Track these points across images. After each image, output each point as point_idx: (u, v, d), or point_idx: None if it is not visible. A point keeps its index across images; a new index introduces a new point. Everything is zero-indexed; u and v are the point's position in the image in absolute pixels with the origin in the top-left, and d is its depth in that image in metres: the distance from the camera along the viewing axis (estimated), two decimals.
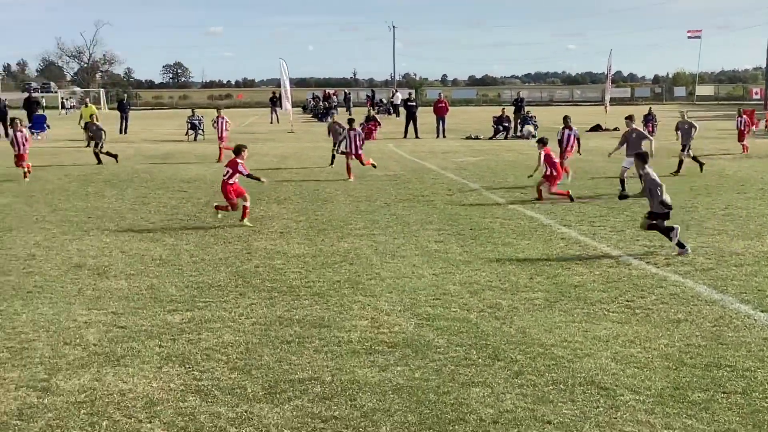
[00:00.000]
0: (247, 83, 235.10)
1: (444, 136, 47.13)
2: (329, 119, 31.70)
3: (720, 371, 8.87)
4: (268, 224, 18.16)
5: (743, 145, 36.28)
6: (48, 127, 47.85)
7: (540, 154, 21.82)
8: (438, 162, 32.57)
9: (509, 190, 23.85)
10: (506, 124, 47.13)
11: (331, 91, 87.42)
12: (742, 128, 36.89)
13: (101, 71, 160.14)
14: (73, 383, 8.62)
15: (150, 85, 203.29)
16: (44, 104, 78.04)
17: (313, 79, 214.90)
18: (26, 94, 71.01)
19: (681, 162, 27.83)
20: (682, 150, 27.96)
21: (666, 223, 15.08)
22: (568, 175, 24.63)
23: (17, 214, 19.76)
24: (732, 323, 10.62)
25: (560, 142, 25.51)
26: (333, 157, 30.66)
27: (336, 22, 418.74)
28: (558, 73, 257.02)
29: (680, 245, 14.82)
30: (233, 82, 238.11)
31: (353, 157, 26.27)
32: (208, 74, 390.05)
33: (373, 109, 57.49)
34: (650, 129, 47.41)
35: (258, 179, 19.03)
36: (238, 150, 18.76)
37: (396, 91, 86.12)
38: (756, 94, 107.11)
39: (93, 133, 33.61)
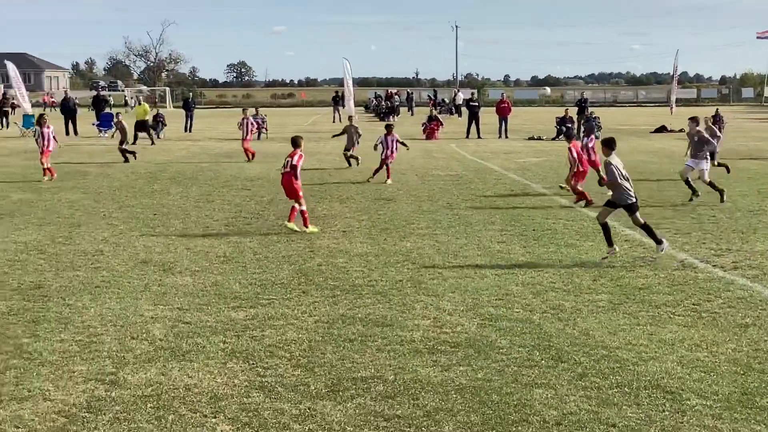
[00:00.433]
0: (309, 82, 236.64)
1: (506, 137, 46.93)
2: (348, 122, 31.49)
3: None
4: (330, 223, 18.24)
5: None
6: (114, 125, 48.48)
7: (569, 149, 21.99)
8: (500, 162, 32.45)
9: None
10: (569, 125, 46.76)
11: (393, 90, 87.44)
12: None
13: (167, 70, 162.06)
14: (139, 377, 8.75)
15: (214, 83, 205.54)
16: (112, 102, 79.17)
17: (375, 78, 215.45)
18: (94, 93, 72.20)
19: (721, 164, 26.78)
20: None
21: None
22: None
23: (85, 211, 20.10)
24: None
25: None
26: (348, 159, 30.66)
27: (398, 22, 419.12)
28: (622, 74, 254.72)
29: (658, 242, 14.55)
30: (296, 81, 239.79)
31: (391, 160, 26.14)
32: (271, 73, 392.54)
33: (435, 109, 57.41)
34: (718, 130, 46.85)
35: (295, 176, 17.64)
36: (298, 142, 17.87)
37: (458, 91, 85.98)
38: None
39: (120, 130, 33.73)
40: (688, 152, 22.84)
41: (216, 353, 9.53)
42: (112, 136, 33.41)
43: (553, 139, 45.27)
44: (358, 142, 30.83)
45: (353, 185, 24.92)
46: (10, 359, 9.31)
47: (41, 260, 14.49)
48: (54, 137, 27.39)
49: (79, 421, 7.64)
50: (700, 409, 7.87)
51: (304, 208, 17.31)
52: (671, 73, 56.55)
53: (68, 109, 50.18)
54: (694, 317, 10.94)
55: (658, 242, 14.47)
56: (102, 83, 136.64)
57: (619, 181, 14.32)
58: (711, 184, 21.19)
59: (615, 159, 14.48)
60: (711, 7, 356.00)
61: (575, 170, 21.76)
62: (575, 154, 21.77)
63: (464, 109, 60.88)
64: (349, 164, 30.36)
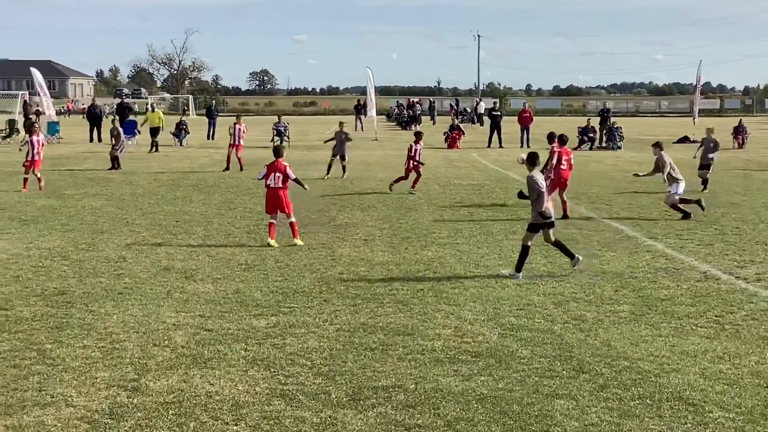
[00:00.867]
0: (331, 91, 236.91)
1: (528, 146, 46.80)
2: (338, 128, 30.59)
3: None
4: (352, 231, 18.26)
5: None
6: (138, 132, 48.82)
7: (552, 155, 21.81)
8: (522, 172, 32.30)
9: (594, 201, 23.63)
10: (591, 135, 46.67)
11: (415, 99, 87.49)
12: None
13: (190, 78, 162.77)
14: (161, 384, 8.79)
15: (237, 91, 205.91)
16: (136, 110, 79.54)
17: (397, 87, 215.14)
18: (118, 100, 72.59)
19: (706, 181, 26.27)
20: (705, 168, 26.39)
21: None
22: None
23: (109, 217, 20.22)
24: None
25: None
26: (330, 166, 29.81)
27: (420, 31, 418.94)
28: (645, 84, 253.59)
29: (572, 256, 14.26)
30: (318, 90, 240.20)
31: (420, 169, 26.10)
32: (293, 82, 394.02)
33: (457, 118, 57.38)
34: (740, 141, 46.63)
35: (303, 185, 17.64)
36: (281, 152, 17.38)
37: (480, 100, 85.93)
38: None
39: (114, 136, 33.47)
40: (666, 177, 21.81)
41: (237, 361, 9.56)
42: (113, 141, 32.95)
43: (575, 148, 45.14)
44: (347, 148, 30.45)
45: (375, 194, 24.94)
46: (34, 365, 9.37)
47: (65, 266, 14.58)
48: (42, 145, 26.71)
49: (101, 428, 7.68)
50: (722, 421, 7.83)
51: (293, 219, 16.99)
52: (694, 84, 56.21)
53: (94, 116, 50.49)
54: (716, 329, 10.89)
55: (572, 257, 14.18)
56: (126, 91, 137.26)
57: (541, 194, 13.92)
58: (674, 206, 20.53)
59: (537, 174, 14.23)
60: (735, 17, 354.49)
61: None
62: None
63: (486, 119, 60.79)
64: (328, 171, 29.56)
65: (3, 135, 49.31)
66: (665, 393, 8.55)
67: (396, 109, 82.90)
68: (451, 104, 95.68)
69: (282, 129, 47.27)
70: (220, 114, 63.14)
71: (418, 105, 78.79)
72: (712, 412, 8.05)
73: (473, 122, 74.88)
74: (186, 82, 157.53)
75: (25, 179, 25.68)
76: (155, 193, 25.30)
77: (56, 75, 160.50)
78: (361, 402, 8.30)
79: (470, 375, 9.09)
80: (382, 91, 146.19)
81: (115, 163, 32.43)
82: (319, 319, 11.27)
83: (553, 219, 14.16)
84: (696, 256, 15.59)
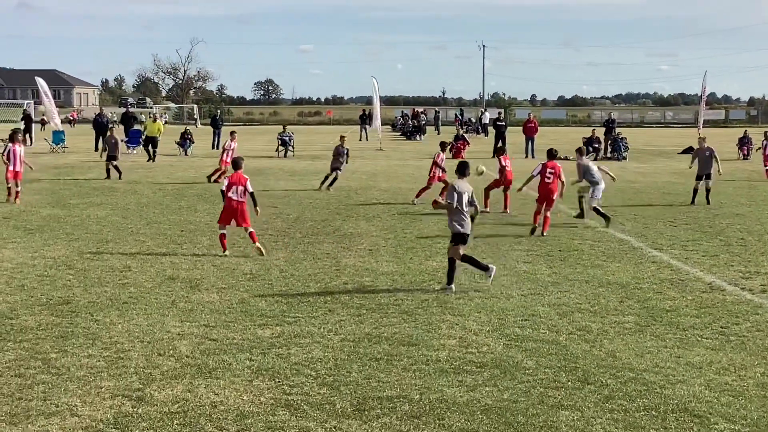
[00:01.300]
0: (336, 100, 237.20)
1: (533, 156, 46.80)
2: (339, 142, 30.29)
3: None
4: (357, 241, 18.26)
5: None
6: (142, 142, 48.89)
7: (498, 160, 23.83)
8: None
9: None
10: (596, 145, 46.65)
11: (420, 109, 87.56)
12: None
13: (195, 87, 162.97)
14: (166, 394, 8.78)
15: (242, 101, 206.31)
16: (142, 119, 79.73)
17: (402, 97, 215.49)
18: (123, 109, 72.72)
19: (708, 191, 25.54)
20: (702, 178, 25.52)
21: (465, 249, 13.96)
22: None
23: (114, 227, 20.23)
24: None
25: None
26: (326, 178, 29.26)
27: (425, 41, 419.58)
28: (650, 94, 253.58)
29: (485, 268, 13.94)
30: (323, 99, 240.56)
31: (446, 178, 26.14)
32: (298, 91, 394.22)
33: (462, 129, 57.43)
34: (745, 152, 46.58)
35: (256, 204, 16.96)
36: (240, 164, 17.05)
37: (485, 110, 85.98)
38: None
39: (110, 146, 33.23)
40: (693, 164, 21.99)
41: (242, 371, 9.56)
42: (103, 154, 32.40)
43: None
44: (346, 162, 30.07)
45: (379, 204, 24.93)
46: (39, 374, 9.38)
47: (70, 276, 14.59)
48: (22, 156, 25.42)
49: None
50: None
51: (251, 230, 16.82)
52: (699, 94, 56.27)
53: (100, 126, 50.58)
54: (722, 340, 10.87)
55: (486, 269, 13.89)
56: (131, 100, 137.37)
57: (456, 206, 13.58)
58: (595, 209, 21.01)
59: (462, 185, 13.85)
60: (740, 28, 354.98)
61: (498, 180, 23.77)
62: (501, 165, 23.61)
63: (491, 129, 60.84)
64: (323, 182, 29.15)
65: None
66: (670, 404, 8.54)
67: (401, 119, 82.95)
68: (455, 114, 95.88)
69: (287, 139, 47.30)
70: (225, 124, 63.21)
71: (422, 115, 78.81)
72: (717, 423, 8.04)
73: (478, 132, 74.91)
74: (191, 92, 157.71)
75: (10, 189, 25.16)
76: (160, 202, 25.32)
77: (61, 84, 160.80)
78: (366, 412, 8.29)
79: (475, 385, 9.08)
80: (387, 101, 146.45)
81: (109, 173, 32.38)
82: (324, 329, 11.27)
83: (468, 232, 13.84)
84: (701, 267, 15.57)
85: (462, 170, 14.14)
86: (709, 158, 25.59)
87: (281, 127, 51.69)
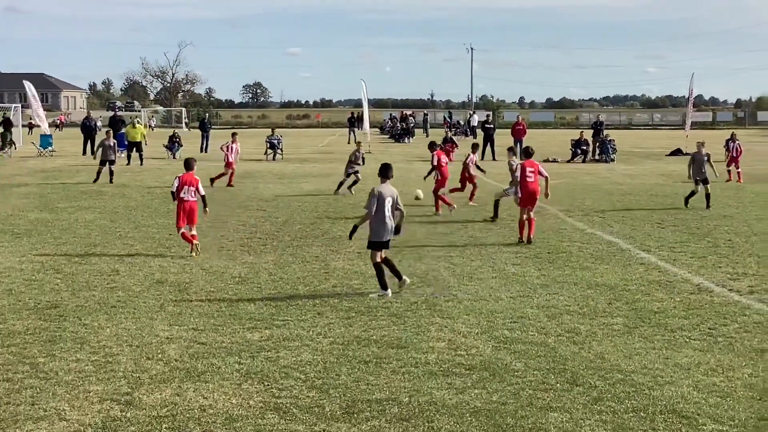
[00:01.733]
0: (324, 103, 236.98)
1: (522, 158, 46.87)
2: (356, 147, 30.44)
3: None
4: (346, 244, 18.23)
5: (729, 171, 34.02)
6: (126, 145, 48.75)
7: (432, 157, 24.00)
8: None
9: (587, 213, 23.64)
10: (584, 148, 46.76)
11: (408, 112, 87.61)
12: (735, 155, 34.89)
13: (183, 91, 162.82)
14: (155, 397, 8.77)
15: (230, 104, 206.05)
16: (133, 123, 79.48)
17: (391, 99, 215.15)
18: (111, 113, 72.52)
19: (708, 197, 24.88)
20: (700, 183, 24.89)
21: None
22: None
23: (102, 231, 20.18)
24: None
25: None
26: (340, 184, 29.10)
27: (413, 44, 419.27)
28: (637, 96, 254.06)
29: (399, 277, 13.63)
30: (311, 102, 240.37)
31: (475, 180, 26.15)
32: (287, 94, 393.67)
33: (450, 131, 57.46)
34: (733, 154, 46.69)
35: (205, 205, 17.50)
36: (191, 164, 17.41)
37: (473, 112, 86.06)
38: None
39: (106, 149, 32.89)
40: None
41: (231, 374, 9.55)
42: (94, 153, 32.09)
43: (568, 161, 45.25)
44: (363, 163, 30.24)
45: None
46: (27, 379, 9.35)
47: (58, 280, 14.56)
48: None
49: None
50: None
51: (194, 232, 17.20)
52: (687, 96, 56.39)
53: (88, 129, 50.46)
54: (710, 341, 10.91)
55: (400, 278, 13.63)
56: (119, 103, 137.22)
57: (375, 212, 13.42)
58: (496, 204, 22.17)
59: (385, 189, 13.56)
60: (727, 31, 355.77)
61: (437, 178, 24.00)
62: (441, 165, 23.87)
63: (479, 131, 60.88)
64: (338, 188, 28.96)
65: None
66: (659, 405, 8.56)
67: (389, 122, 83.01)
68: (444, 117, 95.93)
69: (275, 142, 47.26)
70: (213, 127, 63.13)
71: (411, 118, 78.88)
72: (705, 424, 8.06)
73: (466, 135, 74.98)
74: (179, 95, 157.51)
75: None
76: (148, 206, 25.28)
77: (49, 88, 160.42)
78: (355, 415, 8.29)
79: (464, 388, 9.09)
80: (376, 104, 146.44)
81: (99, 176, 32.17)
82: (313, 332, 11.27)
83: (388, 239, 13.62)
84: (689, 269, 15.62)
85: (385, 173, 13.77)
86: (707, 163, 25.11)
87: (270, 130, 51.66)
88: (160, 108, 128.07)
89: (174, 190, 17.06)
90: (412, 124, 74.34)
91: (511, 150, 24.23)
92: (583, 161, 45.61)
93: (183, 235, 17.11)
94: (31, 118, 65.82)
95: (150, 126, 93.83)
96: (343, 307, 12.70)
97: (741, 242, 18.62)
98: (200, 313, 12.27)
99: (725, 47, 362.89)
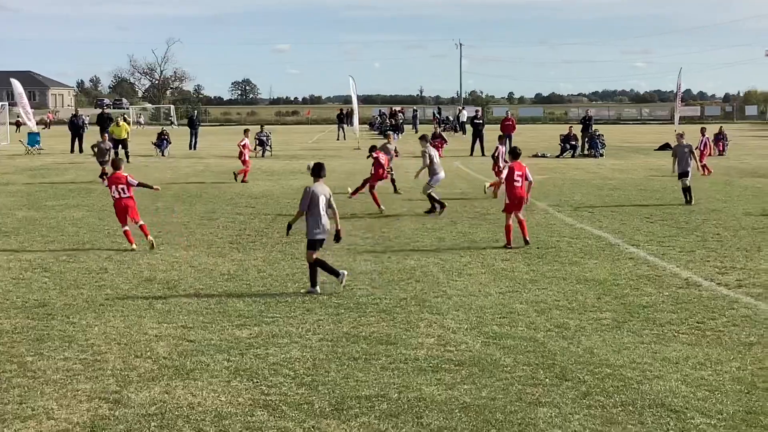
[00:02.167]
0: (314, 100, 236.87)
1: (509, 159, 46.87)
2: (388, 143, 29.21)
3: None
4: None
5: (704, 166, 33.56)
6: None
7: (377, 157, 24.28)
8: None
9: (576, 209, 23.66)
10: (573, 143, 46.79)
11: (397, 108, 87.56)
12: (702, 149, 34.96)
13: (172, 88, 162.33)
14: (143, 396, 8.75)
15: (219, 101, 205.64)
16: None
17: (380, 96, 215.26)
18: (99, 110, 72.30)
19: (688, 190, 24.62)
20: (683, 176, 24.63)
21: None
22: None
23: (90, 228, 20.13)
24: None
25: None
26: (393, 184, 27.61)
27: (402, 40, 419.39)
28: (626, 91, 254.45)
29: (336, 274, 13.61)
30: (300, 99, 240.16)
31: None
32: (276, 91, 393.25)
33: (440, 127, 57.44)
34: (721, 148, 46.85)
35: (150, 187, 18.85)
36: (118, 164, 18.09)
37: (462, 108, 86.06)
38: None
39: (102, 151, 32.53)
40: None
41: (220, 371, 9.54)
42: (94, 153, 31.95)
43: (558, 156, 45.29)
44: (395, 155, 29.00)
45: (357, 203, 24.89)
46: (14, 377, 9.32)
47: (45, 278, 14.51)
48: None
49: None
50: (704, 428, 7.86)
51: (142, 222, 17.78)
52: (675, 91, 56.51)
53: (76, 127, 50.32)
54: (698, 335, 10.93)
55: (337, 274, 13.60)
56: (107, 101, 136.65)
57: (306, 211, 13.44)
58: (429, 197, 22.55)
59: (318, 188, 13.55)
60: (714, 26, 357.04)
61: (374, 175, 24.13)
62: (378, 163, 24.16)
63: (468, 127, 60.88)
64: (395, 189, 27.46)
65: None
66: (647, 400, 8.58)
67: (378, 118, 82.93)
68: (433, 113, 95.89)
69: (264, 138, 47.18)
70: (202, 124, 62.98)
71: (400, 114, 78.84)
72: (694, 418, 8.08)
73: (455, 131, 75.01)
74: (167, 92, 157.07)
75: None
76: (137, 203, 25.14)
77: (36, 86, 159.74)
78: (344, 412, 8.29)
79: (453, 384, 9.09)
80: (365, 100, 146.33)
81: (104, 177, 31.84)
82: (302, 329, 11.26)
83: (323, 238, 13.57)
84: (677, 263, 15.65)
85: (318, 172, 13.73)
86: (688, 154, 24.91)
87: (258, 126, 51.55)
88: (148, 105, 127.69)
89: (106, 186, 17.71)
90: (401, 120, 74.29)
91: (423, 138, 24.36)
92: (573, 156, 45.65)
93: (124, 233, 17.44)
94: (18, 116, 65.54)
95: (139, 123, 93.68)
96: (332, 303, 12.69)
97: (729, 236, 18.66)
98: (189, 311, 12.25)
99: (713, 42, 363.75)
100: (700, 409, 8.32)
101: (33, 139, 50.69)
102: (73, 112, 57.28)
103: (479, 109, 57.86)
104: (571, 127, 49.84)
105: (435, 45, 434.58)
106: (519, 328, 11.29)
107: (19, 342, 10.69)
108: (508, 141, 47.26)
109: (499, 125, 50.69)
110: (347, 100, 54.97)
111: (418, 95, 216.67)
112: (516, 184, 17.64)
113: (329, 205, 13.58)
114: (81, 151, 49.16)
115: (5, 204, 24.72)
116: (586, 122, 49.57)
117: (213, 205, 24.52)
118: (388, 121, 74.17)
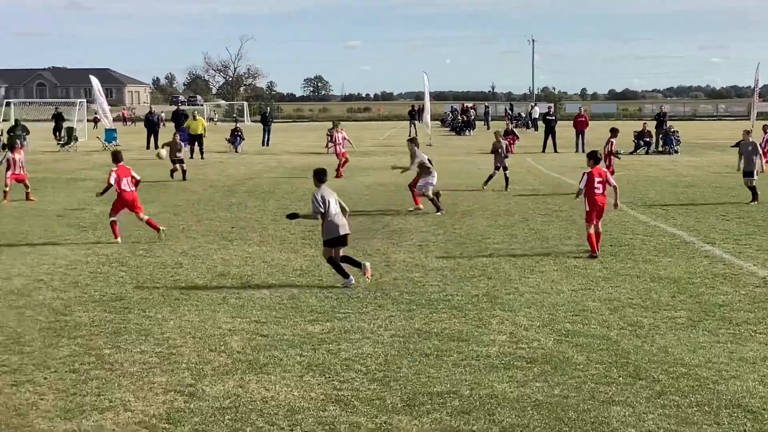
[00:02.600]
0: (385, 96, 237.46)
1: (583, 151, 46.37)
2: (499, 134, 28.24)
3: None
4: (406, 237, 18.27)
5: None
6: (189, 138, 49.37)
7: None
8: (577, 177, 32.03)
9: (650, 206, 23.35)
10: (647, 139, 46.19)
11: (469, 104, 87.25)
12: (765, 146, 30.44)
13: (245, 85, 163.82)
14: (218, 389, 8.87)
15: (291, 98, 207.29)
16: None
17: (451, 92, 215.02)
18: (174, 107, 73.32)
19: (753, 189, 23.93)
20: (748, 175, 24.02)
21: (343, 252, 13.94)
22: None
23: (165, 224, 20.36)
24: None
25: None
26: (489, 177, 27.75)
27: (474, 36, 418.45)
28: (701, 87, 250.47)
29: (345, 276, 13.73)
30: (372, 95, 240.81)
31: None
32: (347, 87, 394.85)
33: (511, 123, 57.15)
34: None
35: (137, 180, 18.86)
36: (120, 157, 18.61)
37: (534, 104, 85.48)
38: None
39: (174, 149, 32.68)
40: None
41: (293, 366, 9.62)
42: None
43: (631, 153, 44.72)
44: (504, 155, 27.89)
45: (428, 200, 24.86)
46: (92, 370, 9.52)
47: (122, 272, 14.78)
48: (23, 166, 25.67)
49: None
50: None
51: (146, 216, 18.36)
52: (752, 86, 55.38)
53: (151, 124, 51.09)
54: None
55: (359, 266, 13.78)
56: (182, 98, 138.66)
57: (323, 213, 13.65)
58: (431, 199, 22.07)
59: (325, 191, 13.83)
60: None
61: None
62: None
63: (540, 123, 60.48)
64: (486, 181, 27.75)
65: (62, 142, 49.99)
66: (723, 400, 8.44)
67: (450, 115, 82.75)
68: (505, 109, 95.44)
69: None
70: (274, 120, 63.49)
71: (472, 110, 78.57)
72: None
73: (527, 127, 74.57)
74: (241, 89, 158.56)
75: (6, 192, 25.09)
76: (210, 199, 25.53)
77: (113, 83, 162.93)
78: (416, 408, 8.30)
79: (525, 381, 9.05)
80: (436, 96, 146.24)
81: (174, 174, 32.05)
82: (374, 325, 11.30)
83: (342, 235, 13.71)
84: (755, 262, 15.36)
85: (320, 177, 13.99)
86: (752, 152, 24.03)
87: (330, 123, 51.79)
88: (222, 102, 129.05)
89: (112, 182, 17.94)
90: (472, 117, 74.06)
91: (412, 140, 23.92)
92: (647, 153, 45.07)
93: (111, 224, 18.06)
94: (96, 113, 66.72)
95: (213, 120, 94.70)
96: (404, 299, 12.72)
97: None
98: (262, 306, 12.37)
99: None
100: None
101: (110, 135, 51.62)
102: (149, 109, 58.18)
103: (551, 105, 57.56)
104: (645, 123, 49.20)
105: (506, 41, 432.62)
106: (592, 326, 11.19)
107: (97, 335, 10.91)
108: (581, 137, 47.00)
109: (571, 122, 50.29)
110: (418, 96, 55.08)
111: (489, 91, 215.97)
112: (596, 191, 16.38)
113: (340, 206, 13.91)
114: (156, 147, 49.91)
115: (83, 199, 25.22)
116: (660, 118, 48.91)
117: (286, 201, 24.71)
118: (459, 117, 74.05)
